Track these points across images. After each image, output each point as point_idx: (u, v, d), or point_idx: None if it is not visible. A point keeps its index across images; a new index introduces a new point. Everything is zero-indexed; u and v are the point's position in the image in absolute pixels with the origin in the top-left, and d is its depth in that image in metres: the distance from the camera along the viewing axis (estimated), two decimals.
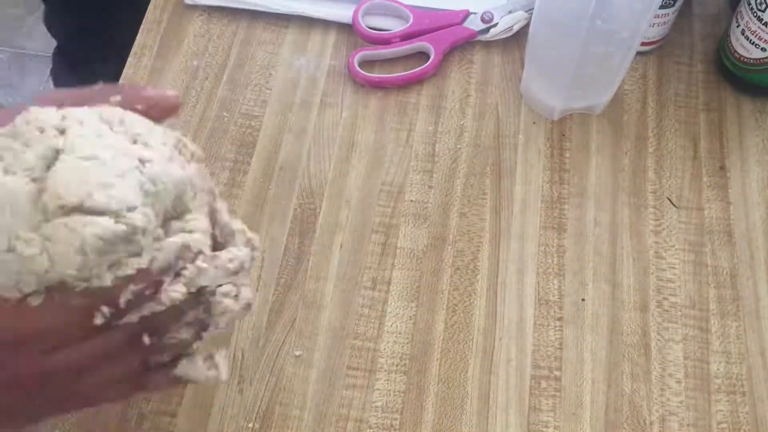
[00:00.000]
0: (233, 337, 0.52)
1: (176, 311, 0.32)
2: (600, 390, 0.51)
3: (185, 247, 0.32)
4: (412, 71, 0.63)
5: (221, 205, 0.36)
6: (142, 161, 0.31)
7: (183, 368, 0.35)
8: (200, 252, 0.32)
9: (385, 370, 0.52)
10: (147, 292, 0.31)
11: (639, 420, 0.50)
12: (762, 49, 0.59)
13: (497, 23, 0.65)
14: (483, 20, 0.65)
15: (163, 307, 0.32)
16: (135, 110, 0.34)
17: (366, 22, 0.65)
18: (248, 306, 0.35)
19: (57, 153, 0.30)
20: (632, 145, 0.61)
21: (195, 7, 0.67)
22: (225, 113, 0.62)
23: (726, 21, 0.66)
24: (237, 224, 0.36)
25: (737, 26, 0.61)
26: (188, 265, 0.32)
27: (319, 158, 0.60)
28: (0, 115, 0.32)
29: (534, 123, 0.62)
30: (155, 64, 0.63)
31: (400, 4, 0.66)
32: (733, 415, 0.51)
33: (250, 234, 0.36)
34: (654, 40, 0.64)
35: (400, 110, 0.63)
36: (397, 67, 0.65)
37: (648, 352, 0.53)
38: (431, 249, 0.56)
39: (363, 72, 0.63)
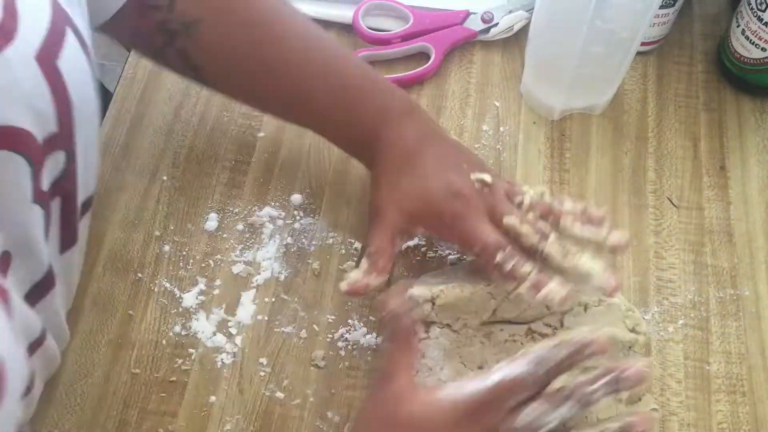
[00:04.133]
0: (233, 337, 0.52)
1: None
2: None
3: None
4: (412, 72, 0.63)
5: None
6: None
7: None
8: None
9: None
10: None
11: None
12: (762, 49, 0.59)
13: (497, 23, 0.65)
14: (483, 20, 0.65)
15: None
16: None
17: (366, 23, 0.65)
18: None
19: None
20: (632, 145, 0.61)
21: None
22: (225, 113, 0.62)
23: (726, 21, 0.66)
24: None
25: (737, 26, 0.61)
26: None
27: (319, 158, 0.60)
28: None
29: (534, 123, 0.62)
30: (155, 65, 0.63)
31: (400, 4, 0.66)
32: (733, 415, 0.51)
33: None
34: (654, 40, 0.64)
35: None
36: (398, 67, 0.65)
37: (648, 352, 0.52)
38: (432, 249, 0.56)
39: None
